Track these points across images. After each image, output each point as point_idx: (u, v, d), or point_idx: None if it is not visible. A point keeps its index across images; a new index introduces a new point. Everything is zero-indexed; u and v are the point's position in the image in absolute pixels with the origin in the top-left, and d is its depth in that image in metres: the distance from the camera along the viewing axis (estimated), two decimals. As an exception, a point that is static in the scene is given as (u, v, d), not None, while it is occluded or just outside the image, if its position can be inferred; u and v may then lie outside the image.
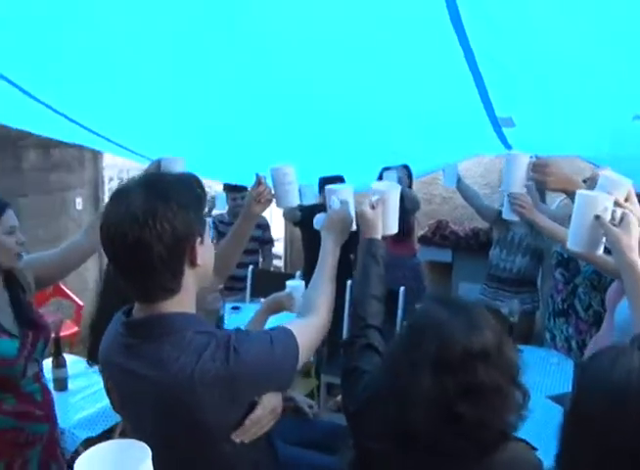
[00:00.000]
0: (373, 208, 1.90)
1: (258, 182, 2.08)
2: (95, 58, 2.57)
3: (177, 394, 1.37)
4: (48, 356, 2.44)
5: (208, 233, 1.51)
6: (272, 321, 2.32)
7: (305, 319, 1.70)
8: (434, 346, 1.37)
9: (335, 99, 2.97)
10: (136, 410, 1.50)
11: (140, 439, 1.16)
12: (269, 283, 5.11)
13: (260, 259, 5.51)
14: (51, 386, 3.14)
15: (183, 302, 1.44)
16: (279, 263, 7.48)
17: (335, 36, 2.30)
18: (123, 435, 3.04)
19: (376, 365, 1.66)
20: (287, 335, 1.54)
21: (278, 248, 7.14)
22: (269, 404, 1.50)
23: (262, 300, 5.29)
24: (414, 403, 1.35)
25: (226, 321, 4.11)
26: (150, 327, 1.42)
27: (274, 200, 2.16)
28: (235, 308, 4.64)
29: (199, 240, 1.43)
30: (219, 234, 5.10)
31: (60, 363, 3.18)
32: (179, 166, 2.30)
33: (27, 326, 2.23)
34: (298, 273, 4.88)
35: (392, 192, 1.99)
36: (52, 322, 4.01)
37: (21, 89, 2.92)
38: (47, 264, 2.40)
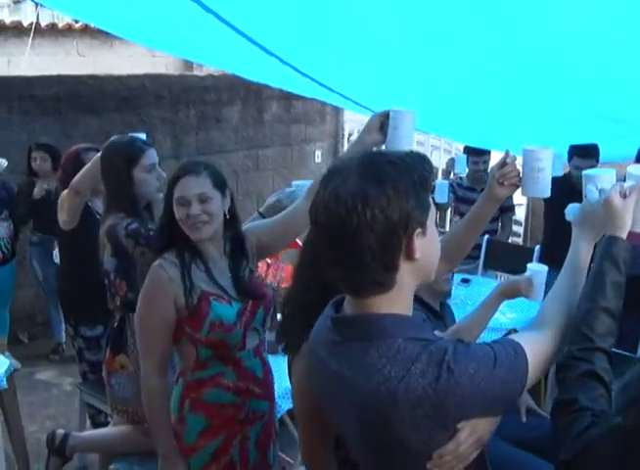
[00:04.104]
0: (624, 197, 1.52)
1: (504, 161, 1.72)
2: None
3: (378, 406, 1.25)
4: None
5: (433, 221, 1.30)
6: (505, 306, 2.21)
7: (540, 334, 1.43)
8: None
9: (598, 59, 2.55)
10: (339, 411, 1.42)
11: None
12: (505, 256, 4.82)
13: (499, 227, 5.19)
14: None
15: (397, 300, 1.30)
16: (518, 229, 7.08)
17: None
18: None
19: (599, 400, 1.35)
20: (516, 354, 1.30)
21: (519, 214, 6.72)
22: (475, 433, 1.28)
23: (497, 274, 4.99)
24: None
25: (452, 295, 3.85)
26: (358, 327, 1.32)
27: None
28: (464, 281, 4.34)
29: (418, 230, 1.24)
30: (457, 198, 4.92)
31: (275, 325, 3.13)
32: (408, 121, 2.03)
33: (246, 294, 2.15)
34: (537, 248, 4.44)
35: None
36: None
37: (255, 43, 2.87)
38: (268, 232, 2.28)
